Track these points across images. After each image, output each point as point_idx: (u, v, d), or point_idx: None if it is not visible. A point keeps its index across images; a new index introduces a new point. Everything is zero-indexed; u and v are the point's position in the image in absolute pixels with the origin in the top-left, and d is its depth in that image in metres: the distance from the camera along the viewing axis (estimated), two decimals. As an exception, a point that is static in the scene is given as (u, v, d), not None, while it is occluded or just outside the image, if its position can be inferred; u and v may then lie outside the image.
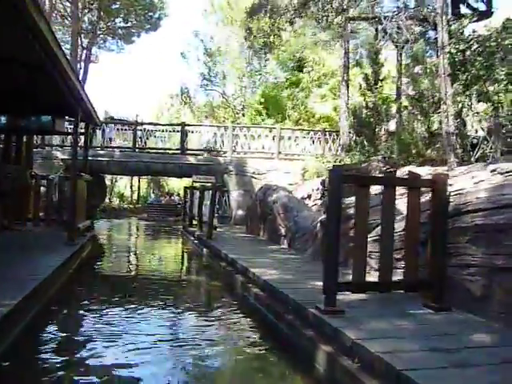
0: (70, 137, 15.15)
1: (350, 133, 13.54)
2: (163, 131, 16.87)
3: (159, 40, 77.45)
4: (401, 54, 12.62)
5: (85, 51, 26.39)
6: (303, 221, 8.01)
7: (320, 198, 12.60)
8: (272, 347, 3.84)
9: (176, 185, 35.24)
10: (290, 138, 16.17)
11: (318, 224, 7.07)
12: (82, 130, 9.80)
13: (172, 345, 3.85)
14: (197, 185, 13.28)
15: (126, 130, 16.78)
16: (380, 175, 5.35)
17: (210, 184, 12.33)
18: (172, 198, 25.49)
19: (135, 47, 65.71)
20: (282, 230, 8.71)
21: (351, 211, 5.40)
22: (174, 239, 14.22)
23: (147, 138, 16.25)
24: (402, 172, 6.68)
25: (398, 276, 4.24)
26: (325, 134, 15.92)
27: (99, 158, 15.04)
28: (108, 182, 27.23)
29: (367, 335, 3.09)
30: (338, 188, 3.63)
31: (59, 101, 7.81)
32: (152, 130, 16.80)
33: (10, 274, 4.74)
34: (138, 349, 3.63)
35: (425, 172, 5.89)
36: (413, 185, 4.02)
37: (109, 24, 26.59)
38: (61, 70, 6.09)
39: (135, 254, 10.16)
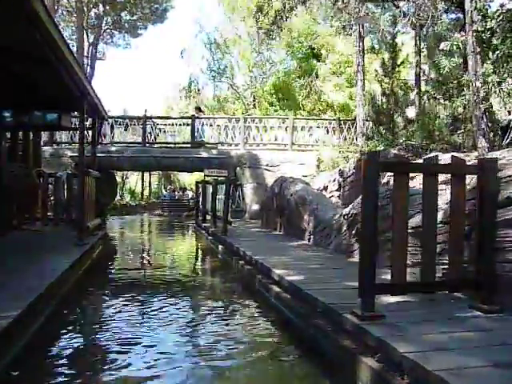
0: (78, 133, 14.90)
1: (366, 121, 13.00)
2: (173, 125, 16.46)
3: (166, 33, 77.06)
4: (419, 37, 12.01)
5: (91, 48, 26.09)
6: (323, 214, 7.56)
7: (337, 190, 12.13)
8: (301, 359, 3.43)
9: (187, 179, 34.95)
10: (303, 129, 15.66)
11: (341, 217, 6.63)
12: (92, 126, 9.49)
13: (189, 354, 3.46)
14: (209, 179, 12.87)
15: (134, 124, 16.41)
16: (419, 162, 4.87)
17: (222, 178, 11.91)
18: (185, 192, 25.36)
19: (142, 41, 65.47)
20: (301, 224, 8.28)
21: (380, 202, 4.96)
22: (187, 236, 13.90)
23: (157, 134, 15.90)
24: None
25: (437, 273, 3.80)
26: (340, 123, 15.37)
27: (109, 154, 14.72)
28: (119, 179, 27.02)
29: (417, 347, 2.66)
30: (374, 177, 3.18)
31: (64, 95, 7.46)
32: (161, 125, 16.44)
33: (17, 277, 4.41)
34: (153, 359, 3.28)
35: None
36: (457, 171, 3.55)
37: (115, 18, 26.24)
38: (64, 61, 5.72)
39: (148, 253, 9.79)
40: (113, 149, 15.18)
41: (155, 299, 5.20)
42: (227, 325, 4.27)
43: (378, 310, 3.27)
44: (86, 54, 25.30)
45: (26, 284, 4.14)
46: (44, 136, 15.22)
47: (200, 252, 10.09)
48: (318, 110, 18.89)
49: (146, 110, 17.06)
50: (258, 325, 4.24)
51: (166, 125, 16.57)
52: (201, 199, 13.30)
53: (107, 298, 5.29)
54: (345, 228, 6.35)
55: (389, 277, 3.46)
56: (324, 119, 16.26)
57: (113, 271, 7.14)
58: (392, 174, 3.70)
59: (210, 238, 10.48)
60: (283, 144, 15.40)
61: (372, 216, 3.18)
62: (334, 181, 12.25)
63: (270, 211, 10.95)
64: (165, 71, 79.16)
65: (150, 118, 15.95)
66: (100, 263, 7.40)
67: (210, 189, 11.96)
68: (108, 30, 28.47)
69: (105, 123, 15.32)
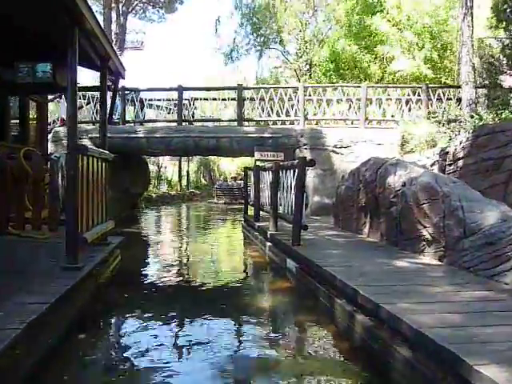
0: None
1: (478, 88, 9.51)
2: (215, 99, 13.49)
3: (205, 4, 73.40)
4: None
5: (121, 18, 23.46)
6: (478, 218, 4.40)
7: (439, 176, 8.92)
8: None
9: (228, 168, 32.09)
10: (378, 101, 12.36)
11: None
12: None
13: None
14: (267, 164, 9.84)
15: (168, 100, 13.64)
16: None
17: (282, 162, 8.85)
18: (236, 181, 25.13)
19: (178, 15, 62.27)
20: (424, 232, 5.14)
21: None
22: (233, 238, 10.85)
23: (195, 108, 13.02)
24: None
25: None
26: (428, 92, 11.91)
27: (136, 135, 11.99)
28: (155, 168, 24.68)
29: None
30: None
31: (44, 22, 4.65)
32: (201, 99, 13.59)
33: None
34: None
35: None
36: None
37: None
38: None
39: (184, 273, 6.61)
40: (141, 129, 12.44)
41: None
42: None
43: None
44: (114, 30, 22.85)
45: None
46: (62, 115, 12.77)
47: (255, 270, 7.01)
48: (389, 79, 15.37)
49: (180, 86, 14.24)
50: None
51: (206, 99, 13.65)
52: (252, 190, 10.26)
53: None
54: None
55: None
56: (407, 86, 12.74)
57: (121, 324, 4.15)
58: None
59: (269, 244, 7.47)
60: (353, 120, 12.15)
61: None
62: (433, 164, 9.07)
63: (348, 207, 7.90)
64: (205, 43, 75.32)
65: (187, 89, 12.95)
66: (96, 306, 4.43)
67: (265, 176, 8.99)
68: (141, 5, 26.02)
69: (134, 100, 12.73)
